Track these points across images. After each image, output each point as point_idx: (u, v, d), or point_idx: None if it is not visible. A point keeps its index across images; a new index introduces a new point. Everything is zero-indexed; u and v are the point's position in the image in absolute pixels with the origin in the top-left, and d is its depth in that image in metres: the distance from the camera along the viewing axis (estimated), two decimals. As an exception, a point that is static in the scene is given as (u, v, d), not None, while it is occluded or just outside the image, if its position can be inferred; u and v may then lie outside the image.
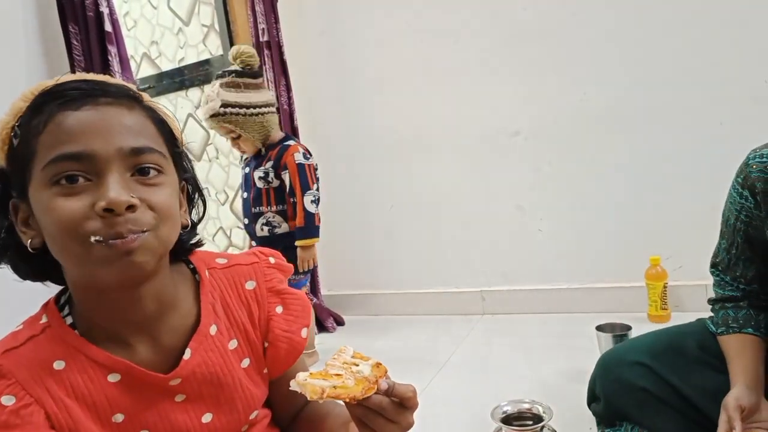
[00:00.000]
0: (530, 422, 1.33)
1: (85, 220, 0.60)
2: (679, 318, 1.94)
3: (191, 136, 2.99)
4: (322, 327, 2.54)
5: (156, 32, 3.04)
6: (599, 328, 1.74)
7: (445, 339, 2.28)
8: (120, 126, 0.63)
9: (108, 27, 1.70)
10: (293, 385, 0.63)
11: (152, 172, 0.65)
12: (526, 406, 1.33)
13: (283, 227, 2.06)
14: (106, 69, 1.70)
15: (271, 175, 2.04)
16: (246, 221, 2.12)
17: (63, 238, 0.61)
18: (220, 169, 3.01)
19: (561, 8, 2.19)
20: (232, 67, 1.99)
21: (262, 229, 2.07)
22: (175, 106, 2.96)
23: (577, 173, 2.27)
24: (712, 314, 1.22)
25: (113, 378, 0.67)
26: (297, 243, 2.01)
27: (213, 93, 1.94)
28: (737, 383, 1.05)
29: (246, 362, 0.76)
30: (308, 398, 0.61)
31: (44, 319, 0.68)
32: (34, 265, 0.69)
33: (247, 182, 2.11)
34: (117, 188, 0.61)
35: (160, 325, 0.71)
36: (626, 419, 1.23)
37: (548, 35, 2.22)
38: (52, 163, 0.60)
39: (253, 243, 2.13)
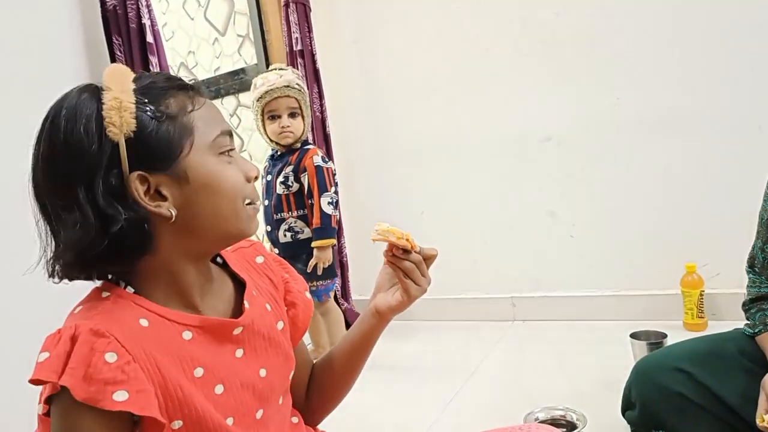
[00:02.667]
0: (564, 430, 1.32)
1: (244, 185, 0.74)
2: (717, 327, 1.89)
3: (226, 143, 3.06)
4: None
5: (193, 42, 3.12)
6: (634, 335, 1.72)
7: (476, 345, 2.28)
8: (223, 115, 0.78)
9: (150, 38, 1.77)
10: (374, 236, 0.84)
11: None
12: (560, 413, 1.33)
13: (306, 232, 2.07)
14: (147, 78, 1.76)
15: (291, 179, 2.06)
16: (269, 228, 2.14)
17: (232, 197, 0.72)
18: (254, 175, 3.06)
19: (593, 13, 2.18)
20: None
21: (284, 236, 2.09)
22: (210, 114, 3.03)
23: (610, 179, 2.25)
24: (747, 322, 1.20)
25: (187, 335, 0.71)
26: (313, 244, 2.03)
27: (274, 76, 2.04)
28: None
29: (281, 324, 0.84)
30: (394, 240, 0.83)
31: (105, 294, 0.70)
32: (128, 245, 0.68)
33: (269, 189, 2.14)
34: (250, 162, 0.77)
35: (217, 293, 0.78)
36: (662, 427, 1.21)
37: (580, 40, 2.21)
38: (221, 136, 0.73)
39: (276, 251, 2.14)
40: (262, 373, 0.78)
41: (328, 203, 2.02)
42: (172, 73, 1.84)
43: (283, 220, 2.09)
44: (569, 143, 2.29)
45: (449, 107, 2.49)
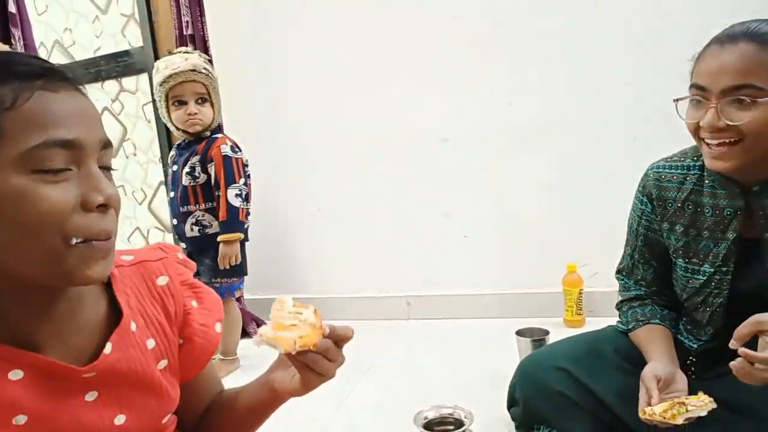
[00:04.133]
0: (452, 427, 1.33)
1: (70, 216, 0.57)
2: (594, 323, 2.02)
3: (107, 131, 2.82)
4: (243, 332, 2.45)
5: (70, 19, 2.85)
6: (519, 333, 1.78)
7: (370, 344, 2.26)
8: (93, 116, 0.62)
9: (12, 8, 1.57)
10: (258, 341, 0.68)
11: (110, 167, 0.63)
12: (448, 411, 1.34)
13: (215, 226, 1.98)
14: (8, 54, 1.56)
15: (198, 169, 1.96)
16: (174, 222, 2.03)
17: (37, 232, 0.56)
18: (138, 166, 2.86)
19: (489, 19, 2.23)
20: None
21: (192, 229, 1.99)
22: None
23: (502, 181, 2.32)
24: (620, 320, 1.28)
25: (15, 375, 0.60)
26: (219, 238, 1.94)
27: (179, 59, 1.91)
28: (652, 359, 1.10)
29: (163, 363, 0.73)
30: (282, 352, 0.67)
31: None
32: None
33: (175, 181, 2.02)
34: (107, 183, 0.59)
35: (70, 323, 0.65)
36: (543, 423, 1.26)
37: (476, 43, 2.26)
38: (45, 148, 0.56)
39: (183, 245, 2.03)
40: (119, 420, 0.67)
41: (236, 195, 1.93)
42: (41, 53, 1.63)
43: (189, 213, 1.98)
44: (465, 145, 2.34)
45: (349, 103, 2.46)
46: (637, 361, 1.15)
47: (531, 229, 2.31)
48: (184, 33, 2.34)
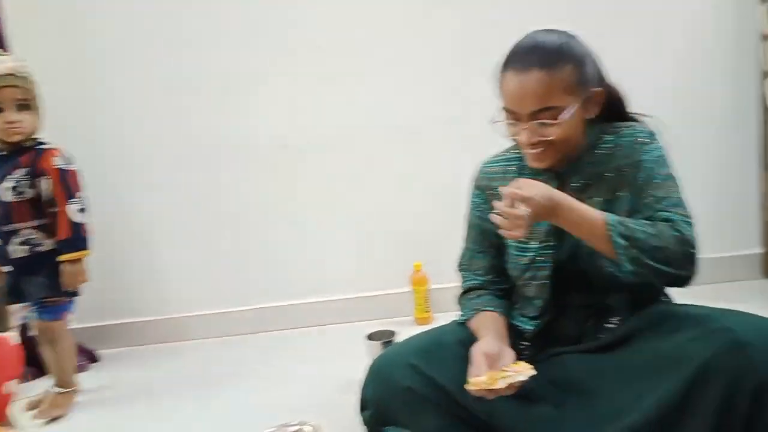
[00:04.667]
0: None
1: None
2: (442, 318, 2.06)
3: None
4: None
5: None
6: (370, 336, 1.77)
7: (219, 363, 2.14)
8: None
9: None
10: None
11: None
12: (293, 429, 1.29)
13: (47, 244, 1.81)
14: None
15: (24, 184, 1.76)
16: None
17: None
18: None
19: (357, 20, 2.22)
20: None
21: (20, 249, 1.79)
22: None
23: (349, 185, 2.32)
24: (461, 312, 1.32)
25: None
26: (63, 257, 1.77)
27: None
28: (481, 338, 1.16)
29: None
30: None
31: None
32: None
33: None
34: None
35: None
36: (393, 423, 1.24)
37: (315, 50, 2.23)
38: None
39: (6, 268, 1.80)
40: None
41: (78, 210, 1.79)
42: None
43: (15, 231, 1.77)
44: (306, 150, 2.30)
45: (183, 108, 2.28)
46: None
47: (377, 230, 2.33)
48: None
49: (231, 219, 2.36)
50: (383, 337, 1.76)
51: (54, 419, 1.81)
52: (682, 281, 1.05)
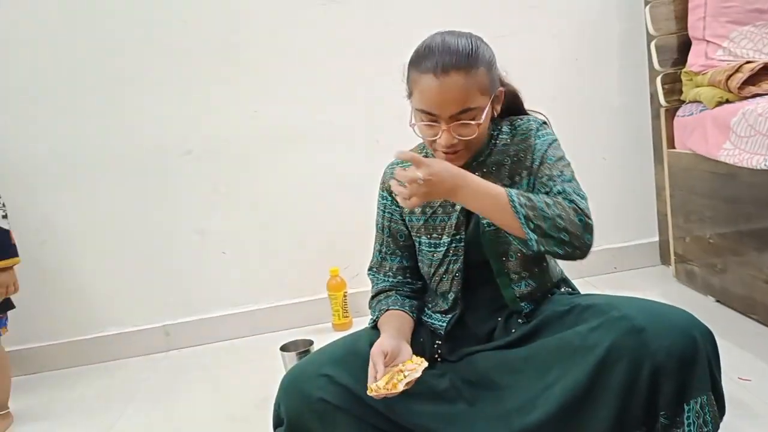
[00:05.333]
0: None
1: None
2: (361, 323, 2.05)
3: None
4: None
5: None
6: (283, 348, 1.71)
7: (122, 386, 1.99)
8: None
9: None
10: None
11: None
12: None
13: None
14: None
15: None
16: None
17: None
18: None
19: (227, 26, 2.13)
20: None
21: None
22: None
23: (255, 192, 2.24)
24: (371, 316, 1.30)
25: None
26: None
27: None
28: (381, 336, 1.16)
29: None
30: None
31: None
32: None
33: None
34: None
35: None
36: (308, 437, 1.19)
37: (213, 52, 2.14)
38: None
39: None
40: None
41: (2, 217, 1.74)
42: None
43: None
44: (211, 156, 2.19)
45: (73, 116, 2.12)
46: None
47: (291, 237, 2.27)
48: None
49: (132, 234, 2.21)
50: (299, 347, 1.70)
51: None
52: (582, 252, 1.07)
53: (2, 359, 1.81)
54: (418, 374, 1.03)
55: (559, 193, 1.09)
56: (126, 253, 2.22)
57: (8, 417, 1.81)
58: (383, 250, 1.33)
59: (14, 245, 1.76)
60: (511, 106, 1.24)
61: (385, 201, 1.31)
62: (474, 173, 1.17)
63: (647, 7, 2.09)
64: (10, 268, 1.74)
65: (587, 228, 1.06)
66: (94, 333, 2.23)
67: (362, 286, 2.26)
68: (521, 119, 1.22)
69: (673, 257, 2.19)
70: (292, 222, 2.26)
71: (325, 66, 2.18)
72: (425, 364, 1.06)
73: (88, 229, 2.19)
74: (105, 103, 2.13)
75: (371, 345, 1.23)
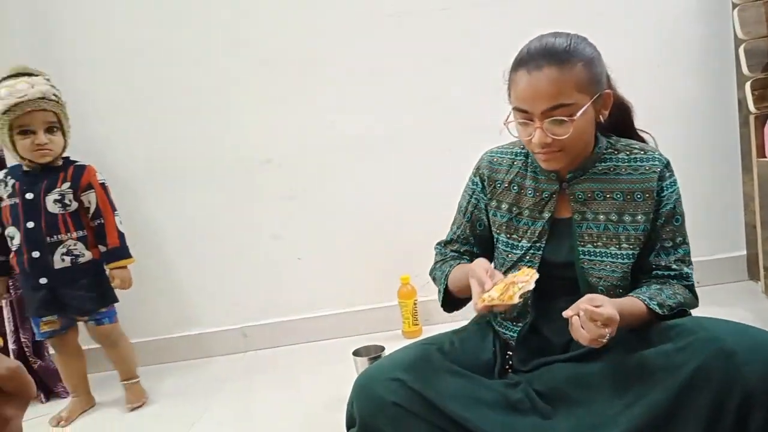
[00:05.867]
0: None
1: None
2: (430, 331, 2.07)
3: None
4: (51, 393, 2.13)
5: None
6: (356, 353, 1.75)
7: (204, 384, 2.10)
8: None
9: None
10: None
11: None
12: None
13: (87, 255, 1.88)
14: None
15: (69, 197, 1.84)
16: (37, 254, 1.80)
17: None
18: None
19: (305, 40, 2.22)
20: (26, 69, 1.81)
21: (62, 260, 1.83)
22: None
23: (331, 200, 2.30)
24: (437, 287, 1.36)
25: None
26: (113, 265, 1.90)
27: (24, 85, 1.74)
28: (473, 262, 1.15)
29: None
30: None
31: None
32: None
33: (33, 210, 1.79)
34: None
35: None
36: (381, 440, 1.22)
37: (293, 65, 2.23)
38: None
39: (43, 280, 1.82)
40: None
41: (120, 222, 1.94)
42: None
43: (59, 242, 1.83)
44: (290, 165, 2.29)
45: (164, 127, 2.27)
46: (462, 362, 1.18)
47: (363, 245, 2.31)
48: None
49: (213, 239, 2.33)
50: (370, 352, 1.74)
51: (139, 407, 1.97)
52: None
53: (126, 339, 2.03)
54: (532, 286, 1.02)
55: (679, 276, 1.15)
56: (208, 256, 2.34)
57: (140, 388, 2.03)
58: (458, 233, 1.34)
59: (127, 247, 1.94)
60: (619, 120, 1.21)
61: (474, 186, 1.31)
62: (574, 188, 1.18)
63: (735, 9, 1.99)
64: (127, 267, 1.93)
65: (697, 297, 1.16)
66: (177, 332, 2.37)
67: (432, 294, 2.26)
68: (639, 148, 1.18)
69: (762, 272, 2.07)
70: (365, 229, 2.31)
71: (397, 77, 2.22)
72: (537, 275, 1.05)
73: (177, 232, 2.33)
74: (193, 113, 2.26)
75: (441, 351, 1.25)
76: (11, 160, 1.95)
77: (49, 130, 1.80)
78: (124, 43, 2.23)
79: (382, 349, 1.74)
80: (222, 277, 2.35)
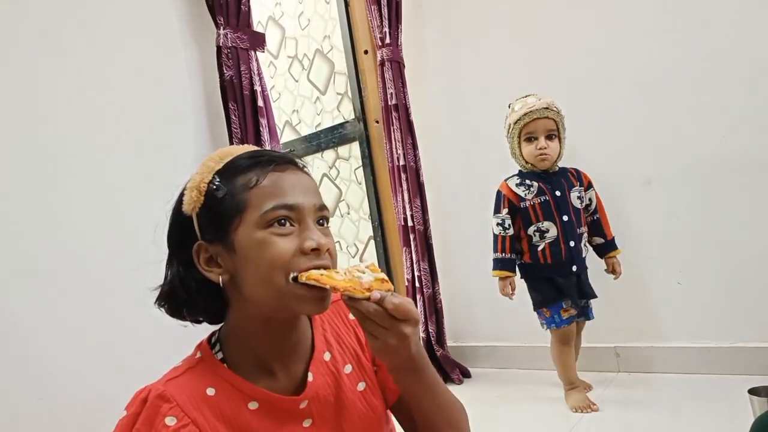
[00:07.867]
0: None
1: (291, 258, 0.75)
2: None
3: (325, 194, 3.22)
4: (447, 378, 2.55)
5: (297, 101, 3.37)
6: (753, 391, 1.59)
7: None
8: (311, 187, 0.81)
9: (260, 102, 1.95)
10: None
11: (326, 223, 0.81)
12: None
13: (587, 246, 2.20)
14: (258, 137, 1.94)
15: (581, 196, 2.16)
16: (572, 243, 2.10)
17: (268, 270, 0.74)
18: (351, 223, 3.20)
19: (696, 53, 2.13)
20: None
21: (585, 248, 2.17)
22: (311, 167, 3.21)
23: (720, 221, 2.13)
24: None
25: (253, 406, 0.78)
26: (612, 254, 2.18)
27: (533, 99, 2.07)
28: None
29: (362, 386, 0.87)
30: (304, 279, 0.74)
31: (198, 355, 0.82)
32: (201, 302, 0.82)
33: (563, 205, 2.10)
34: (318, 234, 0.77)
35: (294, 354, 0.84)
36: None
37: (682, 79, 2.15)
38: (274, 209, 0.75)
39: (575, 267, 2.11)
40: None
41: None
42: (268, 145, 1.92)
43: (582, 234, 2.15)
44: (673, 184, 2.20)
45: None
46: None
47: (761, 272, 2.05)
48: (389, 103, 2.62)
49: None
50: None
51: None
52: None
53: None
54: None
55: None
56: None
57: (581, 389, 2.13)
58: None
59: None
60: None
61: None
62: None
63: None
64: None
65: None
66: (548, 342, 2.52)
67: None
68: None
69: None
70: (761, 256, 2.05)
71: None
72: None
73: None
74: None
75: None
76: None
77: (549, 137, 2.05)
78: (508, 81, 2.52)
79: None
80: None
